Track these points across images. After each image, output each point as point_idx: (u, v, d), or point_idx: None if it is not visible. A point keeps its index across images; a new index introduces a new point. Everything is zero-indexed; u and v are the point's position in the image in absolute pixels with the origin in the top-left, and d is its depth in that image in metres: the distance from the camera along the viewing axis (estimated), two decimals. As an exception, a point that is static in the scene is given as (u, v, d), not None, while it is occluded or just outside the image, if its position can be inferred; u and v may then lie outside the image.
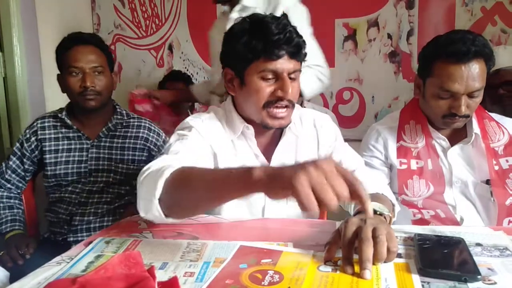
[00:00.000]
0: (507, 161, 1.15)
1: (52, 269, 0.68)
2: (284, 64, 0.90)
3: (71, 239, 1.36)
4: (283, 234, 0.82)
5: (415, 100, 1.25)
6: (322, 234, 0.77)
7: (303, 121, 1.07)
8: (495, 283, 0.60)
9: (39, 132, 1.42)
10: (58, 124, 1.44)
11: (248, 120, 0.99)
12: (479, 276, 0.60)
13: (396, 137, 1.23)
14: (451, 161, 1.18)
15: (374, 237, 0.66)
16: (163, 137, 1.52)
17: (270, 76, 0.91)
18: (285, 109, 0.94)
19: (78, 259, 0.71)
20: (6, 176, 1.42)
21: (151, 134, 1.48)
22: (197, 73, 2.49)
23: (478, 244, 0.75)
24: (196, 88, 1.86)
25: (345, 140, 1.12)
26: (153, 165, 0.80)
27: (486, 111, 1.23)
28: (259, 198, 1.01)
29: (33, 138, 1.42)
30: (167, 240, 0.79)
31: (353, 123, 2.36)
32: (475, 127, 1.17)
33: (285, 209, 1.01)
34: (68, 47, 1.37)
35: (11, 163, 1.43)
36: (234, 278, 0.62)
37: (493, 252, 0.71)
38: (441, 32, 1.15)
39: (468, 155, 1.19)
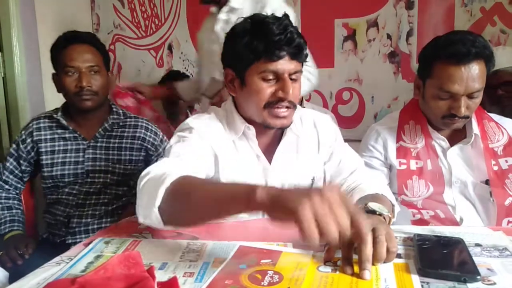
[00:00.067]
0: (506, 161, 1.15)
1: (51, 270, 0.68)
2: (285, 65, 0.90)
3: (70, 241, 1.35)
4: (283, 234, 0.81)
5: (415, 100, 1.25)
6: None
7: (304, 122, 1.07)
8: (494, 283, 0.60)
9: (34, 133, 1.40)
10: (54, 124, 1.42)
11: (249, 121, 0.99)
12: (478, 277, 0.61)
13: (396, 138, 1.23)
14: (451, 162, 1.18)
15: (374, 238, 0.66)
16: (161, 136, 1.50)
17: (271, 77, 0.91)
18: (287, 109, 0.93)
19: (77, 259, 0.71)
20: (4, 178, 1.42)
21: (148, 133, 1.46)
22: (196, 73, 2.49)
23: (478, 245, 0.75)
24: (181, 86, 1.86)
25: (345, 140, 1.13)
26: (153, 169, 0.80)
27: (486, 111, 1.23)
28: None
29: (28, 139, 1.40)
30: (167, 240, 0.79)
31: (352, 123, 2.37)
32: (475, 128, 1.17)
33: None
34: (63, 46, 1.35)
35: (8, 164, 1.42)
36: (234, 278, 0.62)
37: (493, 252, 0.71)
38: (441, 33, 1.15)
39: (468, 155, 1.19)
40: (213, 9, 1.58)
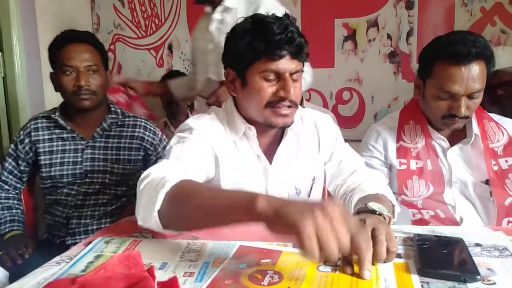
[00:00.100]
0: (506, 161, 1.15)
1: (51, 269, 0.68)
2: (286, 64, 0.90)
3: (69, 242, 1.35)
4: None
5: (415, 100, 1.25)
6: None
7: (304, 122, 1.06)
8: (494, 283, 0.60)
9: (32, 134, 1.39)
10: (52, 125, 1.40)
11: (249, 121, 0.99)
12: (478, 276, 0.61)
13: (396, 138, 1.23)
14: (451, 162, 1.18)
15: (374, 237, 0.66)
16: (159, 135, 1.49)
17: (272, 77, 0.91)
18: (288, 108, 0.93)
19: (77, 259, 0.71)
20: (3, 178, 1.41)
21: (147, 133, 1.45)
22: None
23: (478, 244, 0.75)
24: (174, 84, 1.86)
25: (345, 140, 1.13)
26: (153, 172, 0.79)
27: (486, 111, 1.23)
28: None
29: (26, 140, 1.39)
30: (167, 240, 0.79)
31: (352, 123, 2.37)
32: (475, 128, 1.17)
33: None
34: (61, 45, 1.34)
35: (7, 164, 1.41)
36: (234, 278, 0.62)
37: (493, 252, 0.71)
38: (441, 33, 1.15)
39: (468, 155, 1.19)
40: (207, 9, 1.58)
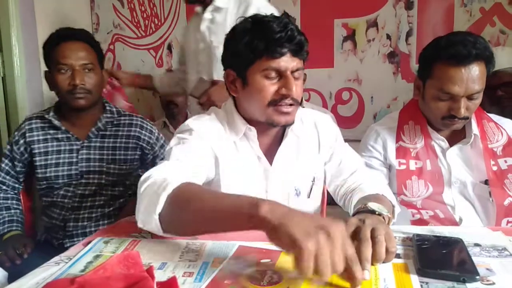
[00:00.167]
0: (505, 161, 1.15)
1: (50, 269, 0.68)
2: (287, 62, 0.89)
3: (68, 244, 1.34)
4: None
5: (414, 100, 1.25)
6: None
7: (304, 122, 1.06)
8: (493, 283, 0.60)
9: (27, 134, 1.37)
10: (46, 125, 1.38)
11: (250, 121, 0.99)
12: (477, 277, 0.61)
13: (395, 138, 1.23)
14: (450, 162, 1.18)
15: (373, 238, 0.66)
16: (156, 134, 1.47)
17: (273, 75, 0.91)
18: (290, 106, 0.93)
19: (76, 259, 0.71)
20: (0, 179, 1.40)
21: (143, 132, 1.43)
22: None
23: (477, 245, 0.75)
24: (158, 79, 1.86)
25: (344, 140, 1.13)
26: (154, 174, 0.79)
27: (485, 112, 1.23)
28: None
29: (21, 141, 1.37)
30: (166, 240, 0.79)
31: (352, 123, 2.37)
32: (474, 128, 1.17)
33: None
34: (56, 43, 1.31)
35: (3, 165, 1.40)
36: (233, 278, 0.62)
37: (492, 252, 0.71)
38: (440, 33, 1.15)
39: (467, 155, 1.19)
40: (198, 8, 1.59)
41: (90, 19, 2.56)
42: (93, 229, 1.37)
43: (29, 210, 1.52)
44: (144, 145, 1.43)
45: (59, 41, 1.32)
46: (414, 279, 0.62)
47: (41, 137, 1.38)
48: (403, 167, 1.20)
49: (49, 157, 1.37)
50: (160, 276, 0.64)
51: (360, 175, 1.04)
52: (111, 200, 1.41)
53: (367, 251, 0.64)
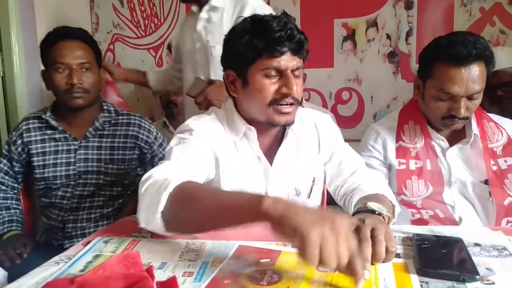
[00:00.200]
0: (505, 161, 1.15)
1: (50, 269, 0.68)
2: (287, 61, 0.89)
3: (67, 245, 1.33)
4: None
5: (414, 100, 1.25)
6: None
7: (304, 122, 1.06)
8: (493, 283, 0.60)
9: (24, 135, 1.36)
10: (43, 125, 1.37)
11: (250, 121, 0.99)
12: (477, 276, 0.61)
13: (395, 138, 1.23)
14: (450, 162, 1.18)
15: (373, 237, 0.66)
16: (154, 133, 1.45)
17: (273, 74, 0.90)
18: (291, 105, 0.93)
19: (76, 258, 0.71)
20: None
21: (141, 131, 1.42)
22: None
23: (477, 244, 0.75)
24: (152, 75, 1.86)
25: (344, 140, 1.13)
26: (155, 173, 0.79)
27: (485, 111, 1.23)
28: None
29: (19, 141, 1.37)
30: (166, 240, 0.79)
31: (352, 123, 2.37)
32: (474, 128, 1.17)
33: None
34: (54, 42, 1.30)
35: (2, 165, 1.39)
36: (233, 278, 0.62)
37: (492, 252, 0.71)
38: (440, 33, 1.15)
39: (467, 155, 1.19)
40: (193, 8, 1.59)
41: (90, 19, 2.56)
42: (92, 230, 1.36)
43: (29, 210, 1.51)
44: (143, 144, 1.42)
45: (56, 40, 1.31)
46: (414, 278, 0.62)
47: (38, 137, 1.37)
48: (403, 167, 1.20)
49: (47, 157, 1.36)
50: (160, 275, 0.64)
51: (360, 175, 1.04)
52: (109, 200, 1.40)
53: (367, 250, 0.64)
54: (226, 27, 1.48)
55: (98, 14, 2.55)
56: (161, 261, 0.70)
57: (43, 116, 1.37)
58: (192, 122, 0.99)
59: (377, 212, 0.78)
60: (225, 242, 0.76)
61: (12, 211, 1.39)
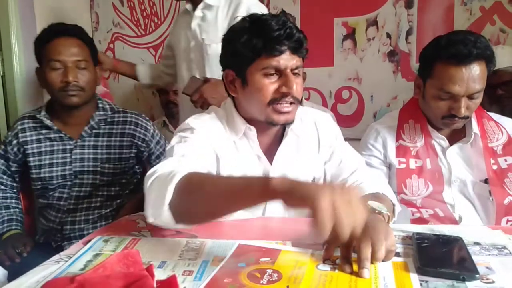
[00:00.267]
0: (505, 160, 1.15)
1: (50, 268, 0.68)
2: (286, 60, 0.89)
3: (66, 247, 1.32)
4: (282, 232, 0.82)
5: (414, 99, 1.25)
6: (320, 233, 0.77)
7: (304, 121, 1.06)
8: (493, 281, 0.60)
9: (20, 135, 1.34)
10: (38, 125, 1.34)
11: (249, 121, 0.98)
12: (477, 275, 0.61)
13: (395, 137, 1.23)
14: (450, 161, 1.18)
15: (373, 236, 0.66)
16: (151, 130, 1.43)
17: (273, 73, 0.90)
18: (290, 105, 0.92)
19: (76, 257, 0.71)
20: None
21: (138, 129, 1.39)
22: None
23: (477, 243, 0.75)
24: (141, 69, 1.85)
25: (344, 139, 1.12)
26: (160, 168, 0.79)
27: (485, 110, 1.23)
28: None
29: (14, 141, 1.35)
30: (166, 238, 0.79)
31: (352, 122, 2.37)
32: (474, 127, 1.17)
33: (286, 210, 1.01)
34: (49, 39, 1.28)
35: None
36: (233, 276, 0.62)
37: (491, 251, 0.71)
38: (440, 32, 1.15)
39: (467, 154, 1.19)
40: (187, 6, 1.58)
41: (90, 18, 2.56)
42: (90, 231, 1.33)
43: (28, 210, 1.50)
44: (140, 143, 1.40)
45: (51, 36, 1.29)
46: (414, 277, 0.62)
47: (34, 137, 1.35)
48: (403, 166, 1.20)
49: (43, 157, 1.34)
50: (160, 274, 0.64)
51: (360, 174, 1.04)
52: (107, 201, 1.38)
53: (367, 249, 0.64)
54: (221, 25, 1.48)
55: (98, 13, 2.55)
56: (161, 260, 0.70)
57: (37, 115, 1.35)
58: (192, 121, 0.99)
59: (377, 211, 0.78)
60: (225, 241, 0.76)
61: (11, 210, 1.38)
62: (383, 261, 0.66)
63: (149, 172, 0.79)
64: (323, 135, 1.07)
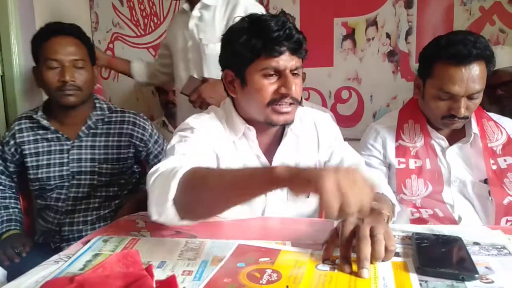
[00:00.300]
0: (505, 160, 1.15)
1: (49, 268, 0.68)
2: (286, 61, 0.89)
3: (65, 248, 1.32)
4: (281, 232, 0.82)
5: (414, 99, 1.25)
6: (320, 233, 0.77)
7: (303, 121, 1.06)
8: (492, 281, 0.60)
9: (17, 135, 1.34)
10: (35, 125, 1.34)
11: (249, 121, 0.98)
12: (476, 275, 0.61)
13: (395, 137, 1.23)
14: (450, 161, 1.18)
15: (372, 236, 0.66)
16: (150, 130, 1.42)
17: (272, 74, 0.90)
18: (290, 105, 0.92)
19: (76, 257, 0.71)
20: None
21: (136, 128, 1.39)
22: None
23: (476, 243, 0.75)
24: (136, 67, 1.85)
25: (344, 139, 1.12)
26: (162, 166, 0.79)
27: (485, 111, 1.23)
28: (260, 199, 1.00)
29: (12, 142, 1.34)
30: (165, 238, 0.79)
31: (351, 122, 2.37)
32: (474, 127, 1.17)
33: (285, 210, 1.01)
34: (46, 38, 1.26)
35: None
36: (232, 276, 0.62)
37: (491, 251, 0.71)
38: (440, 32, 1.15)
39: (467, 154, 1.19)
40: (185, 5, 1.58)
41: (90, 18, 2.55)
42: (89, 232, 1.31)
43: (27, 211, 1.49)
44: (138, 142, 1.39)
45: (48, 35, 1.27)
46: (414, 277, 0.62)
47: (31, 138, 1.34)
48: (402, 166, 1.20)
49: (40, 157, 1.33)
50: (159, 274, 0.64)
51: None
52: (106, 201, 1.38)
53: (366, 249, 0.64)
54: (218, 25, 1.49)
55: (97, 13, 2.55)
56: (160, 260, 0.70)
57: (34, 116, 1.34)
58: (192, 120, 0.99)
59: (376, 211, 0.78)
60: (225, 241, 0.76)
61: (10, 210, 1.38)
62: (382, 261, 0.66)
63: (151, 171, 0.79)
64: (323, 135, 1.07)
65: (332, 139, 1.08)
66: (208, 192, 0.69)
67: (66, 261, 0.70)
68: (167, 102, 2.40)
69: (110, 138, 1.37)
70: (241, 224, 0.89)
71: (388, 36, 2.27)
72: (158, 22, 2.51)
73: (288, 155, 1.02)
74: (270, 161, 1.00)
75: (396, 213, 0.96)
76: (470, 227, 0.90)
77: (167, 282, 0.61)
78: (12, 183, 1.41)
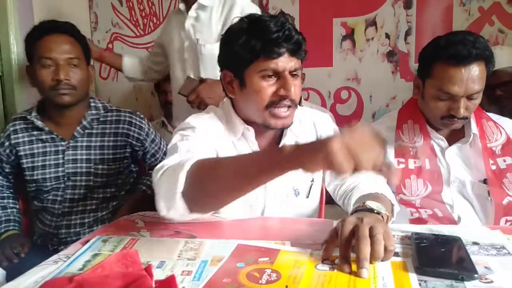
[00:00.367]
0: (504, 160, 1.15)
1: (48, 268, 0.68)
2: (285, 62, 0.89)
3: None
4: (281, 232, 0.82)
5: (413, 99, 1.25)
6: (319, 233, 0.77)
7: (303, 121, 1.06)
8: (491, 281, 0.60)
9: (12, 136, 1.32)
10: (29, 126, 1.31)
11: (248, 122, 0.98)
12: (476, 275, 0.61)
13: (394, 137, 1.23)
14: (449, 161, 1.19)
15: (371, 236, 0.66)
16: (146, 129, 1.40)
17: (271, 76, 0.90)
18: (288, 108, 0.92)
19: (75, 257, 0.71)
20: None
21: (132, 128, 1.36)
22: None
23: (475, 243, 0.75)
24: (128, 62, 1.84)
25: (343, 139, 1.12)
26: (168, 162, 0.79)
27: (484, 111, 1.23)
28: (259, 200, 1.00)
29: (6, 143, 1.32)
30: (165, 238, 0.79)
31: (351, 122, 2.37)
32: (473, 127, 1.17)
33: (285, 210, 1.01)
34: (40, 36, 1.24)
35: None
36: (232, 276, 0.62)
37: (490, 251, 0.72)
38: (439, 32, 1.15)
39: (466, 154, 1.19)
40: (181, 6, 1.58)
41: (89, 18, 2.55)
42: (87, 235, 1.33)
43: (25, 211, 1.48)
44: (134, 142, 1.37)
45: (42, 33, 1.25)
46: (413, 277, 0.62)
47: (26, 139, 1.32)
48: (402, 166, 1.20)
49: (36, 159, 1.31)
50: (159, 274, 0.64)
51: (360, 174, 1.03)
52: (103, 203, 1.36)
53: (366, 249, 0.64)
54: (215, 26, 1.49)
55: (97, 13, 2.55)
56: (159, 260, 0.70)
57: (28, 116, 1.31)
58: (193, 120, 0.99)
59: (375, 211, 0.78)
60: (224, 241, 0.76)
61: (8, 210, 1.37)
62: (382, 261, 0.66)
63: (157, 167, 0.79)
64: (322, 135, 1.07)
65: (331, 139, 1.08)
66: (217, 182, 0.69)
67: (65, 261, 0.70)
68: (167, 102, 2.39)
69: (106, 138, 1.34)
70: (241, 224, 0.89)
71: (387, 36, 2.27)
72: (158, 22, 2.51)
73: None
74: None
75: (396, 213, 0.96)
76: (470, 227, 0.90)
77: (167, 282, 0.61)
78: (9, 183, 1.41)
